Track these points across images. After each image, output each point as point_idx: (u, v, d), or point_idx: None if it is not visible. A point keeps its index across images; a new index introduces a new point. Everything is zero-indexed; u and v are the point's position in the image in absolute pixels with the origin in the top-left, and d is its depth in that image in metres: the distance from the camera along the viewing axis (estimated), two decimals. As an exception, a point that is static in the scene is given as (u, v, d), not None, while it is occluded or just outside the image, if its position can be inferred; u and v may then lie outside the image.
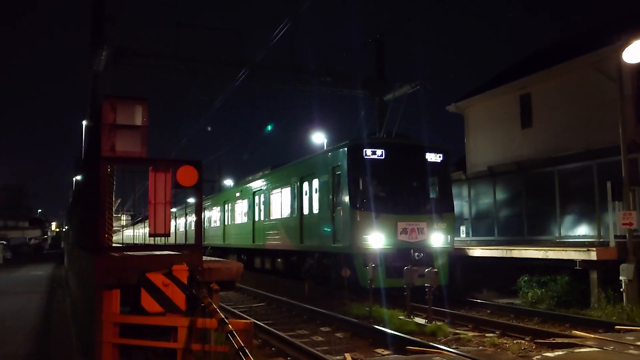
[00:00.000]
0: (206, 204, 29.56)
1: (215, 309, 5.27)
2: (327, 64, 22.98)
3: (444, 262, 13.41)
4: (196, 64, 21.25)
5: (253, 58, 20.38)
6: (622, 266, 10.99)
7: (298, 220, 15.95)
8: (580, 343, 7.84)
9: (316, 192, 15.04)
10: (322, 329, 10.53)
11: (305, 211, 15.66)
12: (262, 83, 22.86)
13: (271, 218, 18.70)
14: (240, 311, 12.83)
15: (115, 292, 5.71)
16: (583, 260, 11.69)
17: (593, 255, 11.45)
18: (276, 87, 23.39)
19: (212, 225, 28.48)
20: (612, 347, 7.37)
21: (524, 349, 8.58)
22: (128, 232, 59.26)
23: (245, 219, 21.90)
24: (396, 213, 13.17)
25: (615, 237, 11.97)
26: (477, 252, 14.63)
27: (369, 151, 13.33)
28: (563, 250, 12.29)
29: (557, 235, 16.23)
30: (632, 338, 7.99)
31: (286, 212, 17.22)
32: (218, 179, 45.80)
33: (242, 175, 27.61)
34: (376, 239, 12.73)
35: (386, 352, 8.38)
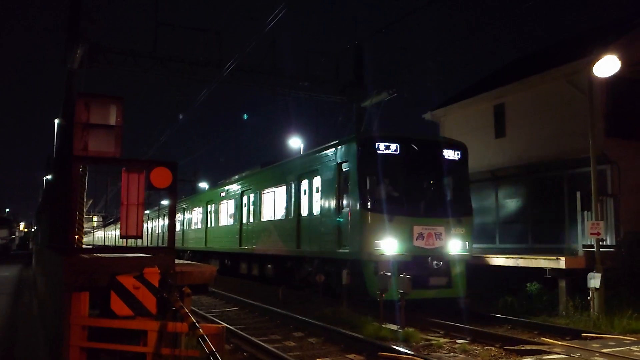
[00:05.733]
0: (186, 205, 28.45)
1: (187, 312, 5.22)
2: (306, 69, 23.03)
3: (462, 271, 12.36)
4: (174, 64, 21.03)
5: (232, 60, 20.27)
6: (590, 275, 11.23)
7: (295, 223, 14.65)
8: (548, 350, 8.00)
9: (317, 192, 13.71)
10: (295, 334, 10.49)
11: (304, 212, 14.39)
12: (240, 85, 22.73)
13: (262, 220, 17.42)
14: (212, 316, 12.71)
15: (84, 294, 5.60)
16: (552, 269, 11.93)
17: (562, 264, 11.70)
18: (254, 90, 23.31)
19: (192, 228, 27.18)
20: (578, 354, 7.54)
21: (494, 355, 8.71)
22: (99, 234, 58.20)
23: (231, 221, 20.57)
24: (412, 215, 11.97)
25: (584, 246, 12.25)
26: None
27: (381, 145, 12.05)
28: (533, 259, 12.52)
29: (528, 243, 16.53)
30: (597, 345, 8.18)
31: (280, 213, 15.95)
32: (194, 180, 45.40)
33: (218, 178, 27.20)
34: (389, 245, 11.55)
35: (358, 358, 8.40)
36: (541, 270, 12.21)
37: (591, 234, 11.55)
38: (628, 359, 7.31)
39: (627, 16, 19.73)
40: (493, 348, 9.14)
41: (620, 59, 11.10)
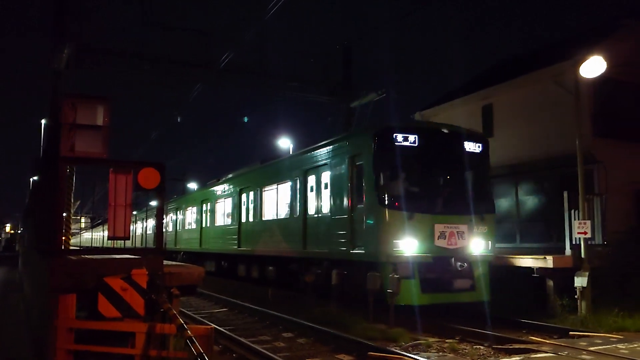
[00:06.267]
0: (179, 204, 27.91)
1: (175, 314, 5.19)
2: (294, 69, 23.00)
3: (485, 272, 11.52)
4: (162, 64, 20.87)
5: (221, 60, 20.17)
6: (577, 274, 11.33)
7: (301, 222, 13.78)
8: (536, 348, 8.06)
9: (326, 188, 12.85)
10: (285, 334, 10.46)
11: (311, 210, 13.49)
12: (229, 85, 22.63)
13: (263, 219, 16.58)
14: (201, 317, 12.65)
15: (71, 296, 5.56)
16: (540, 268, 12.00)
17: (550, 263, 11.78)
18: (244, 91, 23.24)
19: (186, 228, 26.39)
20: (566, 352, 7.61)
21: (483, 354, 8.75)
22: (87, 235, 57.70)
23: (228, 221, 19.63)
24: (433, 213, 11.16)
25: (572, 245, 12.35)
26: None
27: (399, 137, 11.13)
28: (521, 258, 12.59)
29: (516, 242, 16.65)
30: (585, 343, 8.27)
31: (284, 211, 15.07)
32: (183, 180, 45.18)
33: (208, 178, 26.92)
34: (409, 245, 10.72)
35: (348, 358, 8.40)
36: (529, 269, 12.29)
37: (578, 233, 11.65)
38: (614, 357, 7.39)
39: (615, 17, 19.96)
40: (482, 347, 9.18)
41: (606, 59, 11.22)
